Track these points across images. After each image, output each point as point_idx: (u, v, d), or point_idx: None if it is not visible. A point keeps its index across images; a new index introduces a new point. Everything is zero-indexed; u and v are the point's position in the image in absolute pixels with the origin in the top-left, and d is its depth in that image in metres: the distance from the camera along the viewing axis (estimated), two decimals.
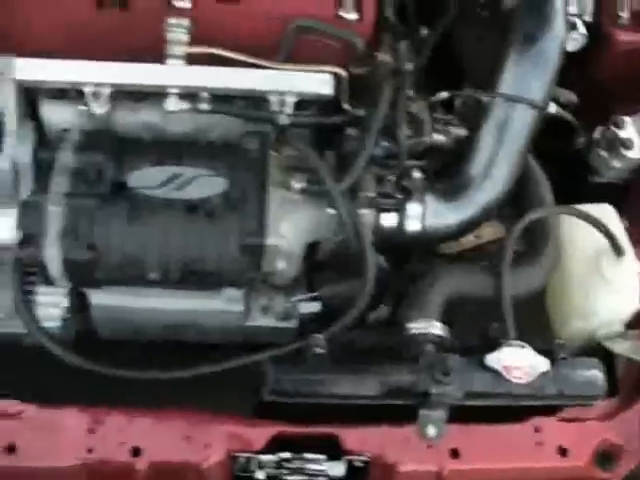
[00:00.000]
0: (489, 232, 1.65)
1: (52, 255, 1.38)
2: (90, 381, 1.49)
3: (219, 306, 1.50)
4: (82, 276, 1.43)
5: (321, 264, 1.52)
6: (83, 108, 1.48)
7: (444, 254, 1.60)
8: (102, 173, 1.40)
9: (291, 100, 1.46)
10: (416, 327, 1.41)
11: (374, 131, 1.43)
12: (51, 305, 1.51)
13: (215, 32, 1.48)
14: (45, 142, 1.52)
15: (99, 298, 1.50)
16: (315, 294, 1.51)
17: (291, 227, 1.41)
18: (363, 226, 1.42)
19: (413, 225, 1.50)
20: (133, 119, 1.52)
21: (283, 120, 1.41)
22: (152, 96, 1.50)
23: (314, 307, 1.49)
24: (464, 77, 1.72)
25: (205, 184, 1.40)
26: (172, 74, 1.45)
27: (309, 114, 1.49)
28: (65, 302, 1.51)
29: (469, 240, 1.63)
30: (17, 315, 1.48)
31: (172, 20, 1.44)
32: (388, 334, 1.49)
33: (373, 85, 1.50)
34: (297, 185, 1.41)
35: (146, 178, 1.40)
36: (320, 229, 1.46)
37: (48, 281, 1.45)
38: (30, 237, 1.39)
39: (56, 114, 1.52)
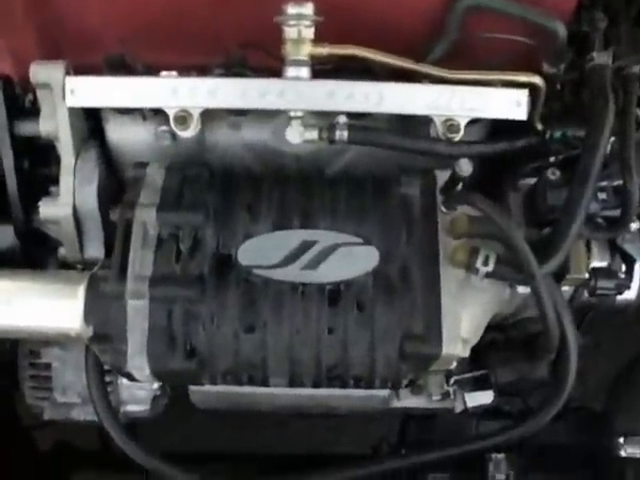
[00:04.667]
0: None
1: (137, 365, 0.97)
2: None
3: (360, 393, 1.12)
4: (180, 383, 1.05)
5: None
6: (164, 129, 1.05)
7: None
8: (200, 242, 0.98)
9: (462, 124, 1.01)
10: (632, 451, 1.05)
11: (593, 179, 0.96)
12: (138, 387, 1.16)
13: (341, 18, 1.00)
14: (114, 175, 1.10)
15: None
16: (479, 373, 1.12)
17: (471, 319, 0.98)
18: (565, 308, 1.01)
19: (628, 294, 1.09)
20: (233, 139, 1.08)
21: (465, 169, 0.95)
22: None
23: (486, 398, 1.10)
24: None
25: (348, 257, 0.97)
26: (296, 92, 0.99)
27: (480, 136, 1.05)
28: (155, 384, 1.16)
29: None
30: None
31: (292, 9, 0.97)
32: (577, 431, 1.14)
33: (582, 96, 1.03)
34: (484, 268, 0.96)
35: (263, 251, 0.98)
36: (501, 306, 1.05)
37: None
38: (104, 337, 0.98)
39: (127, 136, 1.08)
